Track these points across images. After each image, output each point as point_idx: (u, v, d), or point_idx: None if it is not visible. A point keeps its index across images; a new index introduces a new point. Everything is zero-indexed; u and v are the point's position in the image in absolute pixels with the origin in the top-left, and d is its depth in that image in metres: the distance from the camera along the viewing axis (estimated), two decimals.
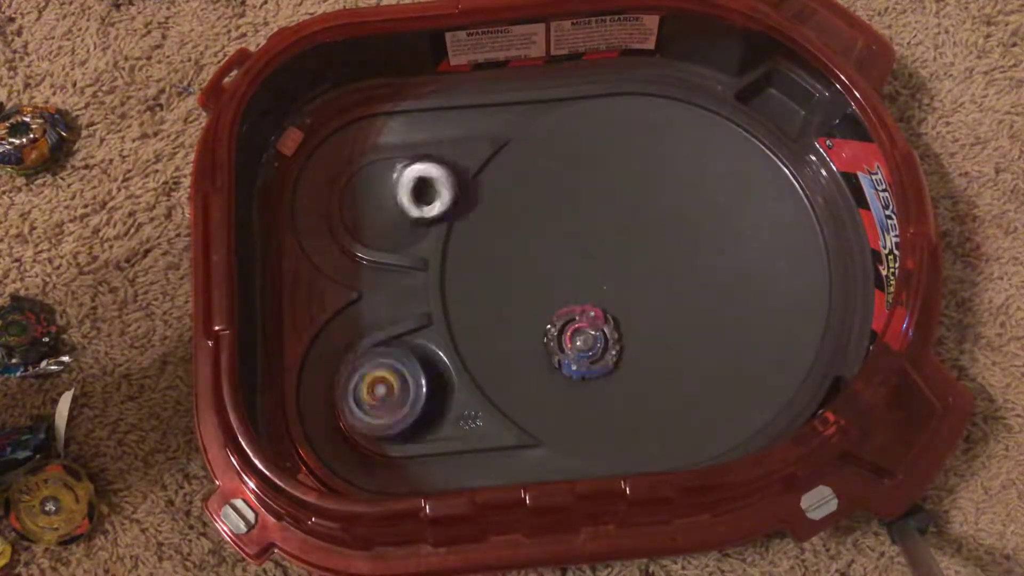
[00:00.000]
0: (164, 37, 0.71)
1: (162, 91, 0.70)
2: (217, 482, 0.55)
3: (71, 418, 0.63)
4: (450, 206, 0.63)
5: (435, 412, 0.61)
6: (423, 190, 0.64)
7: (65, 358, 0.64)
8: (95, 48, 0.71)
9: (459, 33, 0.64)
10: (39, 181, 0.68)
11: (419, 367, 0.60)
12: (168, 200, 0.67)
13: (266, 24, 0.71)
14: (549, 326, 0.62)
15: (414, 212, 0.63)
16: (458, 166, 0.65)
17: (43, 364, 0.64)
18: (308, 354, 0.62)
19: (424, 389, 0.60)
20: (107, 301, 0.66)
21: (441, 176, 0.63)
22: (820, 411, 0.60)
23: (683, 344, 0.63)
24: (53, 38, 0.71)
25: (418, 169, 0.64)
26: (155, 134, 0.69)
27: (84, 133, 0.69)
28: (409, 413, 0.60)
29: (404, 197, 0.63)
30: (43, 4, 0.71)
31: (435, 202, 0.63)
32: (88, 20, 0.71)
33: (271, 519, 0.55)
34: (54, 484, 0.60)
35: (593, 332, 0.62)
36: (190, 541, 0.62)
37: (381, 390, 0.60)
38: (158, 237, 0.67)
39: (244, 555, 0.55)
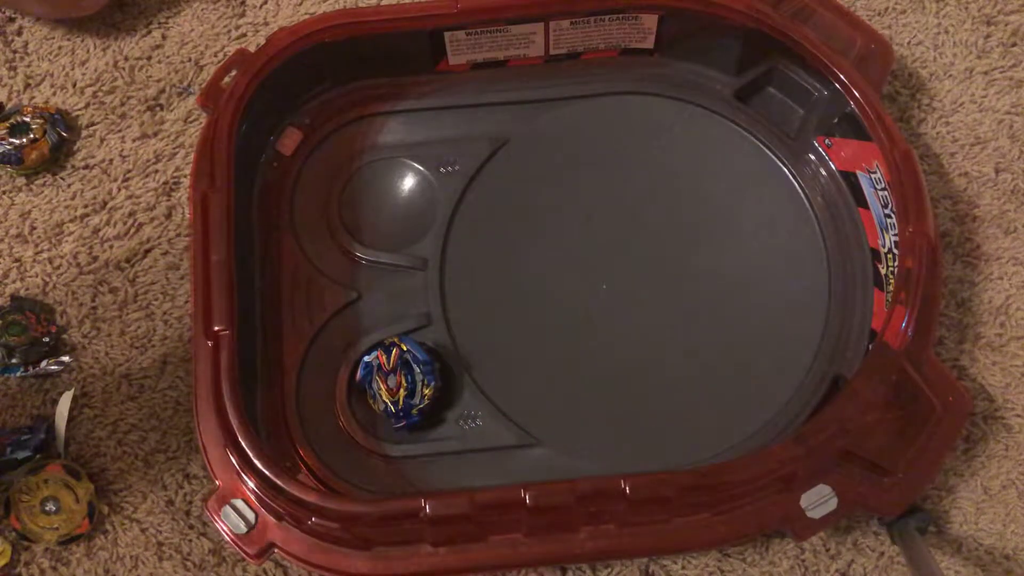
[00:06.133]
0: (164, 37, 0.71)
1: (162, 91, 0.70)
2: (217, 482, 0.55)
3: (71, 418, 0.63)
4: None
5: (436, 411, 0.61)
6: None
7: (65, 358, 0.64)
8: (95, 48, 0.71)
9: (458, 33, 0.64)
10: (39, 181, 0.68)
11: (432, 361, 0.60)
12: (168, 200, 0.67)
13: (266, 24, 0.71)
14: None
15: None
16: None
17: (43, 364, 0.64)
18: (308, 354, 0.62)
19: (434, 381, 0.60)
20: (107, 301, 0.66)
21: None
22: (820, 410, 0.60)
23: (682, 343, 0.63)
24: (53, 38, 0.71)
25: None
26: (155, 134, 0.69)
27: (84, 133, 0.69)
28: (417, 403, 0.59)
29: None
30: None
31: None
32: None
33: (271, 519, 0.55)
34: (54, 484, 0.60)
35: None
36: (190, 541, 0.62)
37: (393, 380, 0.60)
38: (158, 237, 0.67)
39: (244, 555, 0.55)
